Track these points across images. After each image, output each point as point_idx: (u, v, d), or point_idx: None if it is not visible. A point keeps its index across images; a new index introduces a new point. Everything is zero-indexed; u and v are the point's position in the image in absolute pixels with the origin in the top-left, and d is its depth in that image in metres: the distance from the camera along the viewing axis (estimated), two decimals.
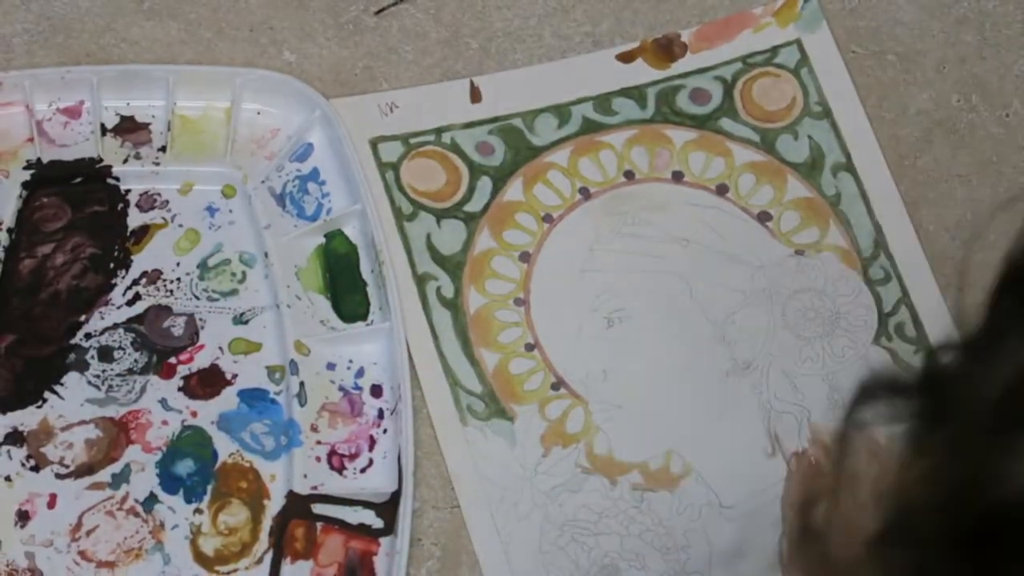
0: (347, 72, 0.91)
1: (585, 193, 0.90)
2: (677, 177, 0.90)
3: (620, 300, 0.87)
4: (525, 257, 0.88)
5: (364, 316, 0.86)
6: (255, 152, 0.89)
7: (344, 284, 0.86)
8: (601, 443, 0.84)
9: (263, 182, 0.88)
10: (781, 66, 0.94)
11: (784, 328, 0.87)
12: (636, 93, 0.92)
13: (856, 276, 0.88)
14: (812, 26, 0.94)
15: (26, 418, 0.81)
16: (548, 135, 0.91)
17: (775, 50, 0.94)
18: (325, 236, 0.87)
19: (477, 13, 0.94)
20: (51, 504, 0.79)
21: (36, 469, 0.80)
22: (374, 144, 0.89)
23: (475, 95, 0.91)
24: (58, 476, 0.80)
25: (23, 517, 0.79)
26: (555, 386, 0.85)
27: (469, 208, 0.88)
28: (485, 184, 0.89)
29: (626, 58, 0.93)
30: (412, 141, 0.90)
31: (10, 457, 0.80)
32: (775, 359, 0.86)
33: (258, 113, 0.89)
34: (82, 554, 0.79)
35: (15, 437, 0.81)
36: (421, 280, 0.86)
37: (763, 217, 0.89)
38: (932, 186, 0.91)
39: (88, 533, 0.79)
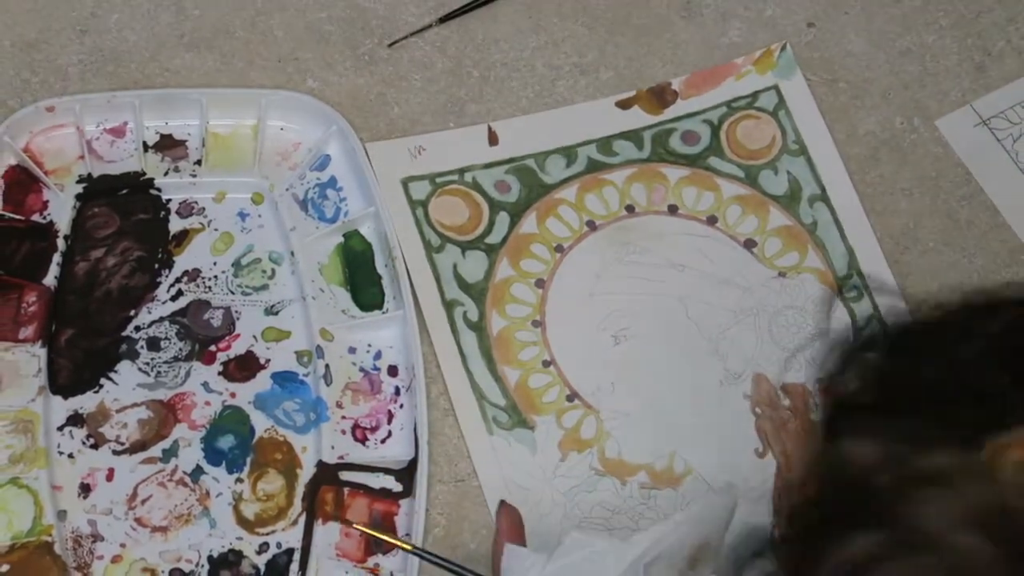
0: (363, 97, 0.95)
1: (592, 225, 0.92)
2: (672, 210, 0.93)
3: (625, 320, 0.90)
4: (540, 283, 0.91)
5: (380, 305, 0.89)
6: (280, 163, 0.93)
7: (362, 277, 0.90)
8: (612, 448, 0.86)
9: (287, 189, 0.91)
10: (761, 109, 0.96)
11: (770, 342, 0.89)
12: (634, 136, 0.95)
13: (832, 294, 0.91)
14: (787, 73, 0.97)
15: (85, 402, 0.85)
16: (558, 174, 0.94)
17: (755, 95, 0.97)
18: (344, 236, 0.91)
19: (478, 46, 0.98)
20: (109, 477, 0.83)
21: (95, 447, 0.84)
22: (405, 183, 0.92)
23: (493, 138, 0.94)
24: (115, 452, 0.84)
25: (85, 489, 0.83)
26: (570, 398, 0.87)
27: (490, 240, 0.91)
28: (503, 219, 0.92)
29: (624, 105, 0.96)
30: (438, 180, 0.92)
31: (72, 437, 0.84)
32: (763, 369, 0.89)
33: (281, 129, 0.93)
34: (138, 520, 0.83)
35: (76, 419, 0.85)
36: (449, 305, 0.89)
37: (749, 244, 0.92)
38: (879, 199, 0.94)
39: (143, 502, 0.83)
